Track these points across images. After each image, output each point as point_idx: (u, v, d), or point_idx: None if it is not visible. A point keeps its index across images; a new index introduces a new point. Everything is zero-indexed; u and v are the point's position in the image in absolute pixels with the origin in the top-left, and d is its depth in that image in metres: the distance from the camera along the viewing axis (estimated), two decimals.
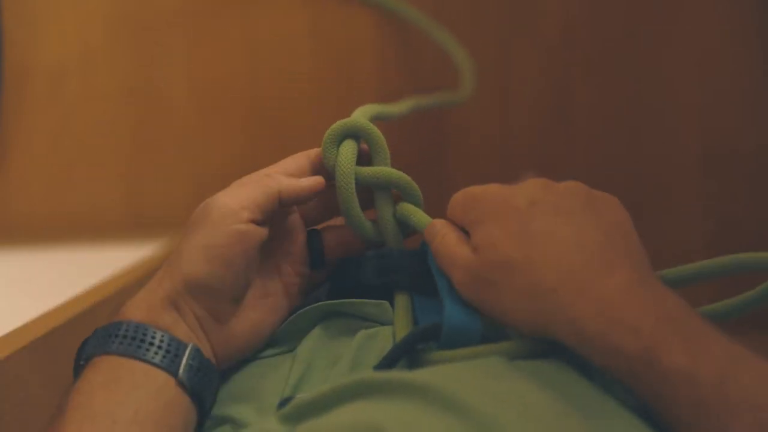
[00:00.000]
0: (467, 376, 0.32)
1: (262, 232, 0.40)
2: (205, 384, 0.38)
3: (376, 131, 0.43)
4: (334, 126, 0.43)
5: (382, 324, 0.41)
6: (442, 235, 0.39)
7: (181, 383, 0.37)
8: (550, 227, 0.34)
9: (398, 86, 1.05)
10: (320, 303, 0.43)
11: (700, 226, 1.05)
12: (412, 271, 0.42)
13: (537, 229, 0.34)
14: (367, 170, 0.43)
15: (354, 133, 0.43)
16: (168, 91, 1.06)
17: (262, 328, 0.42)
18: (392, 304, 0.42)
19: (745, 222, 1.04)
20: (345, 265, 0.45)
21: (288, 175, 0.42)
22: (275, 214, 0.41)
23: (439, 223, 0.40)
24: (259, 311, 0.41)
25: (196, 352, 0.38)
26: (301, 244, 0.44)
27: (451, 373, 0.32)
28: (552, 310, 0.32)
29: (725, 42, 1.04)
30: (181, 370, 0.37)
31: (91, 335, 0.39)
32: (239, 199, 0.39)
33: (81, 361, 0.38)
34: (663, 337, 0.29)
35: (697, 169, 1.05)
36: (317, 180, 0.42)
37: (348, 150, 0.42)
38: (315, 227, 0.45)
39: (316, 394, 0.34)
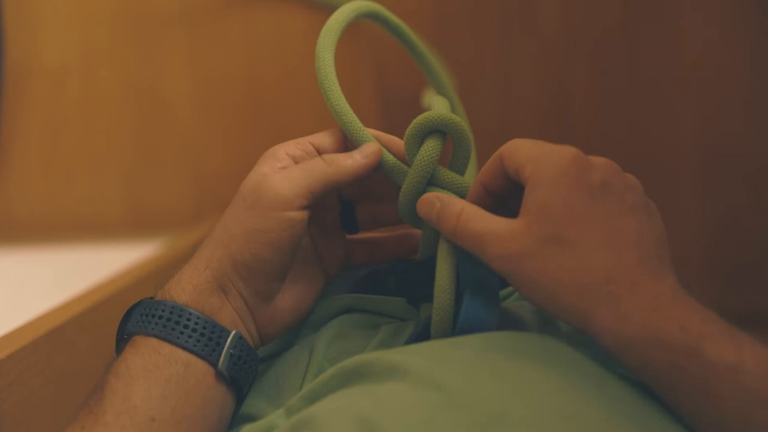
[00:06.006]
0: (452, 353, 0.33)
1: (309, 213, 0.39)
2: (245, 372, 0.38)
3: (465, 129, 0.39)
4: (422, 118, 0.38)
5: (402, 320, 0.42)
6: (458, 213, 0.35)
7: (220, 373, 0.36)
8: (615, 215, 0.33)
9: (397, 86, 1.05)
10: (339, 296, 0.43)
11: (700, 226, 1.05)
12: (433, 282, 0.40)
13: (602, 212, 0.32)
14: (444, 174, 0.39)
15: (441, 129, 0.38)
16: (169, 91, 1.06)
17: (305, 300, 0.41)
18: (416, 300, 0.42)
19: (745, 222, 1.04)
20: (367, 276, 0.44)
21: (321, 147, 0.41)
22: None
23: (443, 199, 0.37)
24: (300, 284, 0.41)
25: (239, 340, 0.37)
26: (335, 216, 0.44)
27: (436, 352, 0.33)
28: (599, 299, 0.31)
29: (725, 42, 1.04)
30: (221, 361, 0.36)
31: (136, 305, 0.38)
32: (294, 186, 0.38)
33: (124, 335, 0.38)
34: (710, 333, 0.30)
35: (697, 168, 1.05)
36: (375, 154, 0.39)
37: (432, 149, 0.38)
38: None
39: (315, 382, 0.34)
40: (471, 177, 0.41)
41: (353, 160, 0.39)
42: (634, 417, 0.30)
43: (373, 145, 0.40)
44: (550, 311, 0.33)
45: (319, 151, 0.41)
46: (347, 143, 0.42)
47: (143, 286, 0.67)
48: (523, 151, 0.35)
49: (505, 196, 0.38)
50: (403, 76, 1.05)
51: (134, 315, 0.38)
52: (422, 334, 0.37)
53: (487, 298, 0.37)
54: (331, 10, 0.44)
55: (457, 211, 0.36)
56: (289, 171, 0.38)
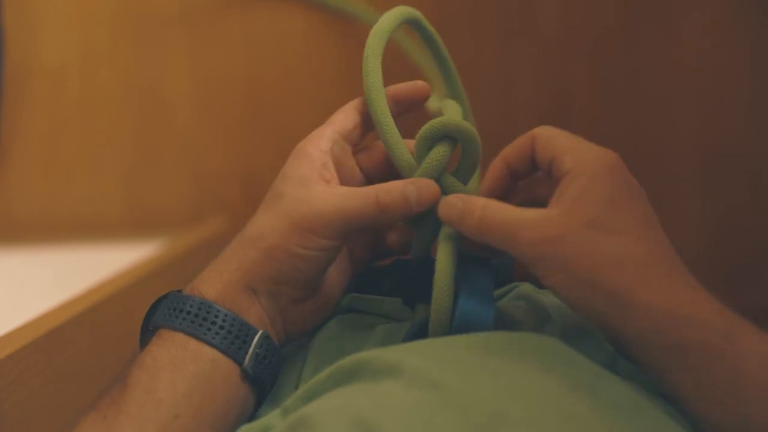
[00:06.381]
0: (449, 352, 0.33)
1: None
2: (269, 372, 0.38)
3: (477, 139, 0.39)
4: (437, 122, 0.38)
5: (397, 320, 0.42)
6: (483, 205, 0.35)
7: (245, 372, 0.36)
8: (649, 216, 0.34)
9: None
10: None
11: (700, 226, 1.05)
12: (431, 282, 0.40)
13: (640, 210, 0.34)
14: (448, 181, 0.39)
15: (453, 135, 0.39)
16: (168, 91, 1.06)
17: (333, 296, 0.41)
18: (414, 299, 0.42)
19: (745, 222, 1.04)
20: (363, 277, 0.44)
21: (346, 133, 0.40)
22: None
23: (464, 198, 0.36)
24: (330, 281, 0.41)
25: (265, 340, 0.37)
26: None
27: (433, 351, 0.33)
28: (640, 279, 0.32)
29: (725, 42, 1.04)
30: (246, 359, 0.36)
31: (163, 298, 0.38)
32: (342, 222, 0.37)
33: (150, 327, 0.37)
34: (745, 323, 0.32)
35: (697, 168, 1.05)
36: (431, 201, 0.38)
37: (441, 155, 0.38)
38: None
39: (311, 382, 0.34)
40: (474, 186, 0.41)
41: (408, 208, 0.37)
42: (632, 415, 0.30)
43: (431, 187, 0.38)
44: (581, 296, 0.33)
45: (345, 139, 0.41)
46: (365, 122, 0.41)
47: (143, 286, 0.67)
48: (561, 142, 0.36)
49: (518, 181, 0.38)
50: (404, 76, 1.05)
51: (161, 308, 0.37)
52: (417, 335, 0.37)
53: (482, 297, 0.37)
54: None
55: (482, 203, 0.35)
56: (340, 202, 0.37)
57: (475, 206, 0.35)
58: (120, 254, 0.81)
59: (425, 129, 0.39)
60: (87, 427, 0.34)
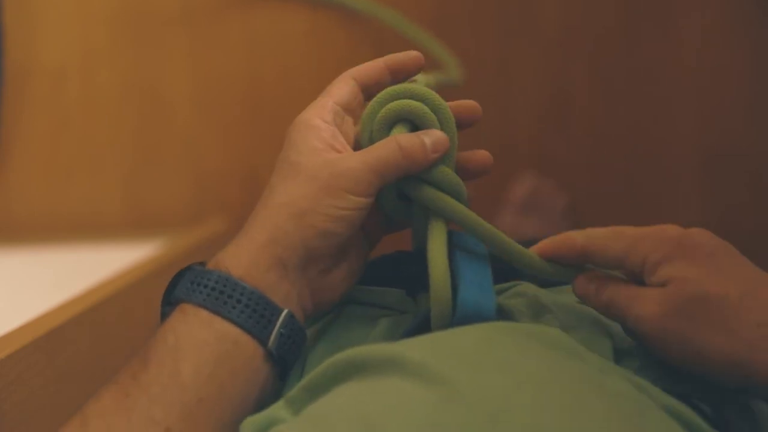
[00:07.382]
0: (454, 346, 0.33)
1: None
2: (293, 352, 0.37)
3: (432, 119, 0.39)
4: (391, 106, 0.39)
5: (400, 312, 0.41)
6: (608, 283, 0.37)
7: (269, 353, 0.35)
8: (738, 267, 0.36)
9: None
10: None
11: (700, 225, 1.04)
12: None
13: (727, 268, 0.35)
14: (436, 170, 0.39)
15: (410, 119, 0.39)
16: (169, 91, 1.06)
17: (356, 267, 0.40)
18: (414, 289, 0.42)
19: (745, 222, 1.04)
20: (366, 268, 0.44)
21: (345, 104, 0.40)
22: None
23: (596, 281, 0.38)
24: (353, 252, 0.40)
25: (290, 319, 0.36)
26: None
27: (438, 344, 0.33)
28: (754, 343, 0.33)
29: (725, 42, 1.04)
30: (271, 340, 0.35)
31: (185, 271, 0.37)
32: (371, 176, 0.37)
33: (171, 299, 0.36)
34: None
35: (697, 168, 1.05)
36: (445, 147, 0.39)
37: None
38: None
39: (313, 373, 0.34)
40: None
41: (426, 155, 0.38)
42: (636, 407, 0.30)
43: (442, 136, 0.39)
44: (704, 365, 0.34)
45: (345, 109, 0.40)
46: (363, 91, 0.41)
47: (143, 286, 0.67)
48: (615, 246, 0.37)
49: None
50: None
51: (183, 281, 0.37)
52: (420, 326, 0.37)
53: (482, 286, 0.37)
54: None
55: (611, 286, 0.37)
56: (364, 156, 0.37)
57: (603, 289, 0.37)
58: (120, 254, 0.81)
59: (384, 111, 0.39)
60: (108, 400, 0.33)
